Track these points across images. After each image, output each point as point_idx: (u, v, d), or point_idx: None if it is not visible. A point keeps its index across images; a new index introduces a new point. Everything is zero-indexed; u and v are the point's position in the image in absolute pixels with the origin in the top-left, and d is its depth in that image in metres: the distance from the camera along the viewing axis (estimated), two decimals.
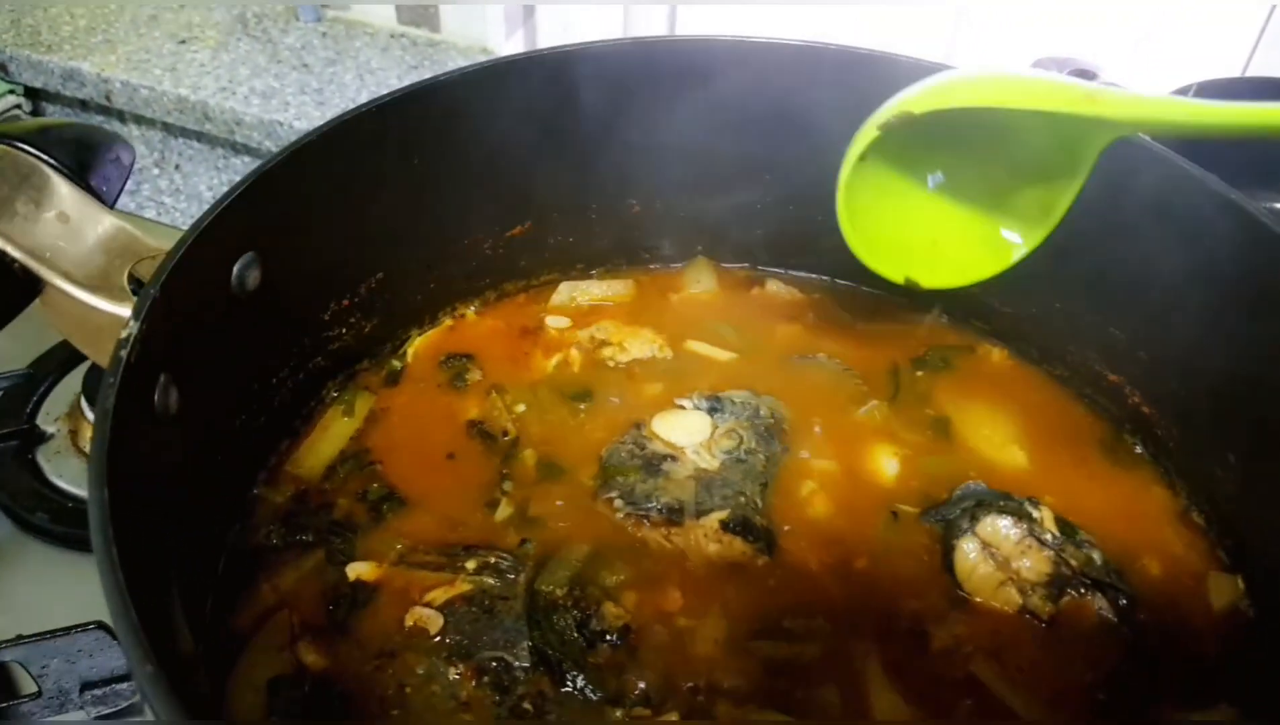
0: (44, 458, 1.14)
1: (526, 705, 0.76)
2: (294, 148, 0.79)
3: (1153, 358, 0.95)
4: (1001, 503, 0.87)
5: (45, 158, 0.76)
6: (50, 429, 1.17)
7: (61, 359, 1.23)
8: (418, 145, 0.91)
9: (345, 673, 0.77)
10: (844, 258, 1.10)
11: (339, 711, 0.75)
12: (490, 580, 0.83)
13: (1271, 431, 0.82)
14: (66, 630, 0.88)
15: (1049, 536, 0.84)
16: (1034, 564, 0.82)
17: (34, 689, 0.89)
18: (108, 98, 1.62)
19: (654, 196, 1.09)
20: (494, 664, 0.78)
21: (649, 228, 1.12)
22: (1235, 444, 0.88)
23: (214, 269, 0.75)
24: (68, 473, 1.13)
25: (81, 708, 0.89)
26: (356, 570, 0.83)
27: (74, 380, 1.21)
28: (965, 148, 0.89)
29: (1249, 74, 1.59)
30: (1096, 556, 0.83)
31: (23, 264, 0.70)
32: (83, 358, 1.19)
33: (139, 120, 1.69)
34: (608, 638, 0.79)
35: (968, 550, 0.82)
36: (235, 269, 0.77)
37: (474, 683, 0.77)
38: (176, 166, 1.74)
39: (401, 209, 0.94)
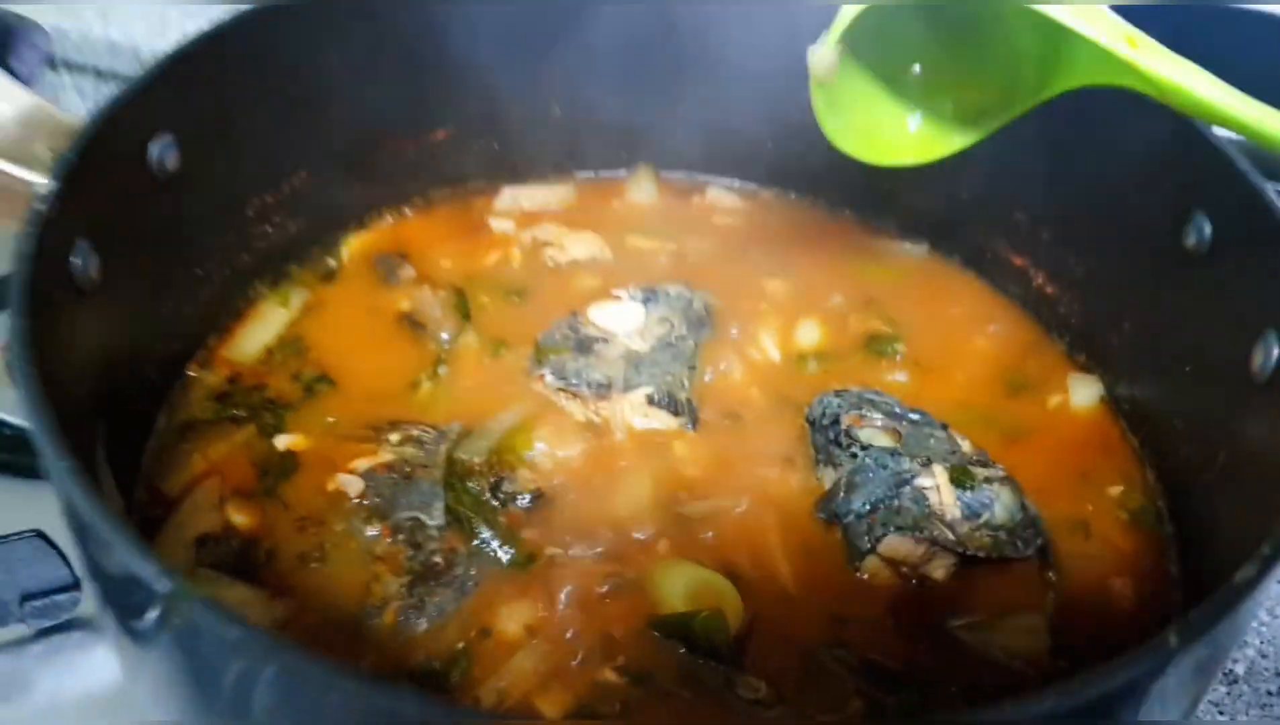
0: None
1: (438, 559, 0.80)
2: (209, 34, 0.83)
3: (1053, 237, 1.00)
4: (894, 473, 0.82)
5: None
6: None
7: None
8: (333, 40, 0.94)
9: (270, 532, 0.82)
10: (774, 164, 1.15)
11: (263, 565, 0.79)
12: (411, 451, 0.87)
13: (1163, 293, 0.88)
14: (4, 538, 0.87)
15: (949, 531, 0.79)
16: (941, 564, 0.81)
17: None
18: None
19: (575, 101, 1.12)
20: (409, 523, 0.82)
21: (573, 133, 1.14)
22: (1128, 311, 0.93)
23: (131, 145, 0.78)
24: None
25: (22, 620, 0.89)
26: (286, 441, 0.88)
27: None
28: (942, 33, 0.87)
29: None
30: (999, 507, 0.80)
31: None
32: None
33: (70, 67, 1.70)
34: (520, 499, 0.84)
35: (874, 565, 0.81)
36: (153, 148, 0.80)
37: (389, 539, 0.81)
38: None
39: (319, 105, 0.97)
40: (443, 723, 0.45)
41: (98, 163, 0.73)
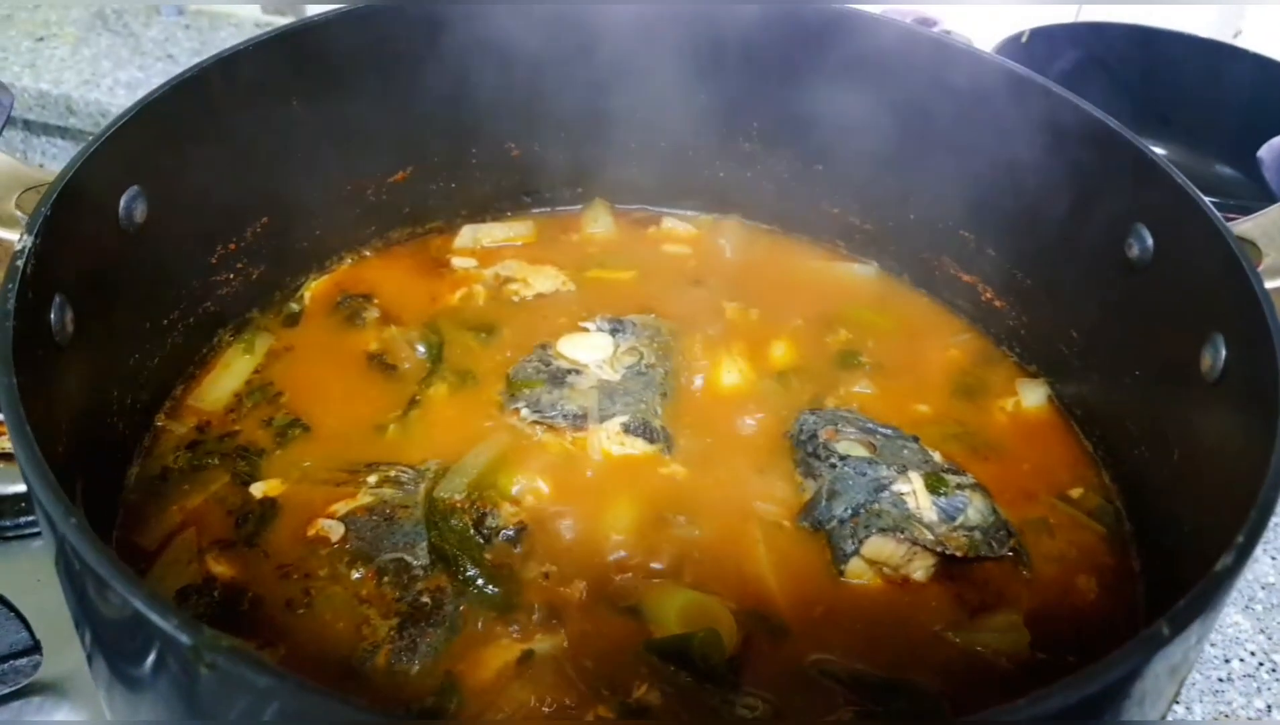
0: None
1: (425, 599, 0.80)
2: (173, 83, 0.83)
3: (1000, 254, 1.04)
4: (873, 480, 0.85)
5: None
6: None
7: None
8: (294, 88, 0.94)
9: (253, 580, 0.81)
10: (725, 193, 1.18)
11: (248, 614, 0.78)
12: (390, 492, 0.87)
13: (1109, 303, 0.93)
14: None
15: (928, 531, 0.82)
16: (921, 565, 0.84)
17: None
18: None
19: (531, 140, 1.14)
20: (393, 564, 0.82)
21: (529, 172, 1.17)
22: (1077, 321, 0.98)
23: (101, 198, 0.78)
24: None
25: None
26: (262, 488, 0.87)
27: None
28: None
29: (1081, 19, 1.72)
30: (973, 510, 0.84)
31: None
32: None
33: None
34: (504, 534, 0.84)
35: (858, 568, 0.83)
36: (122, 201, 0.80)
37: (375, 582, 0.81)
38: (40, 166, 1.72)
39: (282, 153, 0.97)
40: None
41: (71, 217, 0.72)
